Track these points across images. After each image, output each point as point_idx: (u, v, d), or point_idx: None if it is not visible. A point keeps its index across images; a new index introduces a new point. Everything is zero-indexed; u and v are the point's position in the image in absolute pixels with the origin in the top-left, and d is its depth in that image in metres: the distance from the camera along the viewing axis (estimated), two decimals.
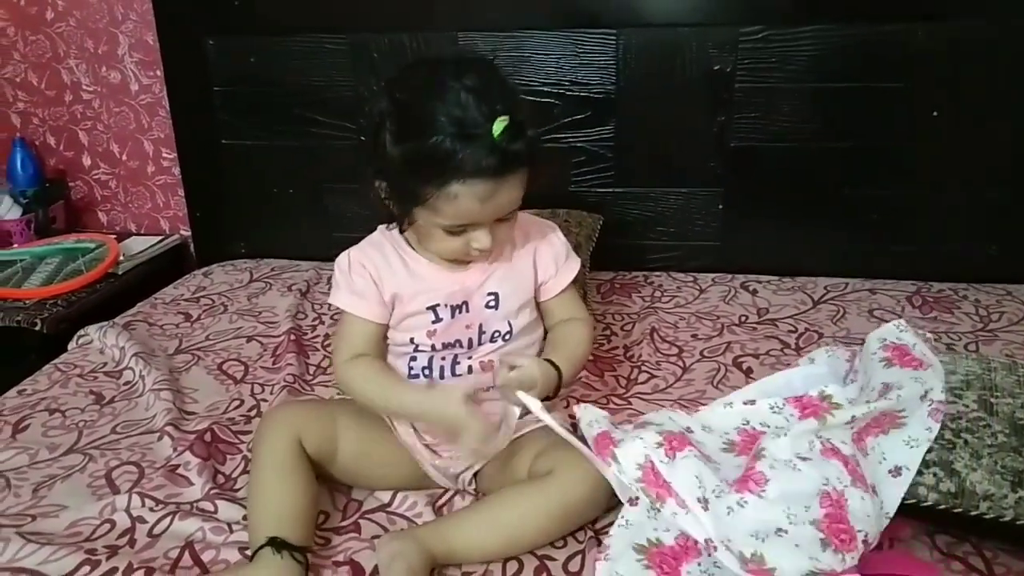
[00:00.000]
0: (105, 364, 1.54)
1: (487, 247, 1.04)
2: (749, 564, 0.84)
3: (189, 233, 2.21)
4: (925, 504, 0.94)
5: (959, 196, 1.77)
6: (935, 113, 1.70)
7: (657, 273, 1.90)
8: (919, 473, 0.94)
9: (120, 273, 1.99)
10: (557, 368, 1.07)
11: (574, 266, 1.20)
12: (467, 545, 0.97)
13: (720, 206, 1.86)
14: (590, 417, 1.05)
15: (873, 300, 1.70)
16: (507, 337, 1.13)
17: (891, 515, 0.92)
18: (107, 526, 1.07)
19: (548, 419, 1.00)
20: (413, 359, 1.13)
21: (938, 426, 0.96)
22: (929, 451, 0.95)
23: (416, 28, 1.84)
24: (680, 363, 1.48)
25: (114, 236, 2.16)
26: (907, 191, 1.78)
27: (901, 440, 0.96)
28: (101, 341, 1.60)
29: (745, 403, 1.06)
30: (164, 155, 2.22)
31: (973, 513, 0.93)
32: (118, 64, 2.15)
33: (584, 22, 1.77)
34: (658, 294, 1.79)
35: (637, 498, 0.95)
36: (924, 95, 1.70)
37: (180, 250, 2.23)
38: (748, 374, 1.43)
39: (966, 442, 0.96)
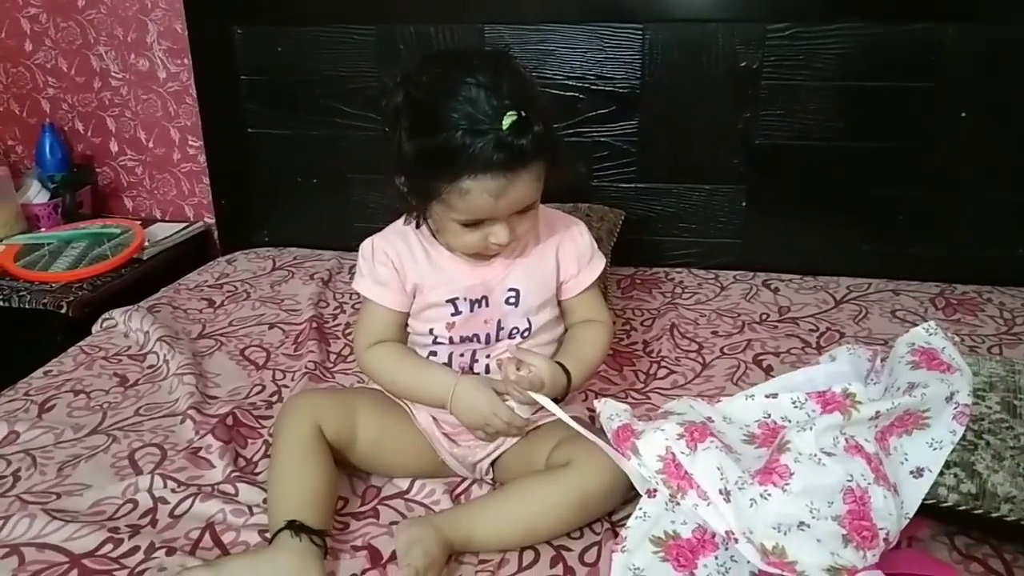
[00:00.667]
0: (129, 347, 1.56)
1: (504, 241, 1.03)
2: (770, 557, 0.84)
3: (213, 220, 2.23)
4: (945, 504, 0.94)
5: (985, 198, 1.75)
6: (963, 114, 1.68)
7: (678, 269, 1.89)
8: (940, 473, 0.93)
9: (145, 259, 2.01)
10: (567, 372, 1.07)
11: (598, 266, 1.19)
12: (484, 534, 0.98)
13: (743, 203, 1.85)
14: (610, 411, 1.04)
15: (896, 301, 1.69)
16: (526, 334, 1.13)
17: (911, 515, 0.91)
18: (129, 505, 1.08)
19: (564, 416, 1.01)
20: (433, 353, 1.14)
21: (963, 429, 0.96)
22: (951, 452, 0.94)
23: (442, 20, 1.84)
24: (700, 359, 1.48)
25: (139, 222, 2.18)
26: (933, 192, 1.76)
27: (924, 441, 0.96)
28: (126, 325, 1.62)
29: (767, 396, 1.06)
30: (190, 143, 2.24)
31: (994, 515, 0.92)
32: (147, 52, 2.17)
33: (610, 16, 1.77)
34: (679, 291, 1.79)
35: (655, 490, 0.95)
36: (951, 95, 1.68)
37: (204, 237, 2.25)
38: (768, 372, 1.42)
39: (988, 443, 0.96)
